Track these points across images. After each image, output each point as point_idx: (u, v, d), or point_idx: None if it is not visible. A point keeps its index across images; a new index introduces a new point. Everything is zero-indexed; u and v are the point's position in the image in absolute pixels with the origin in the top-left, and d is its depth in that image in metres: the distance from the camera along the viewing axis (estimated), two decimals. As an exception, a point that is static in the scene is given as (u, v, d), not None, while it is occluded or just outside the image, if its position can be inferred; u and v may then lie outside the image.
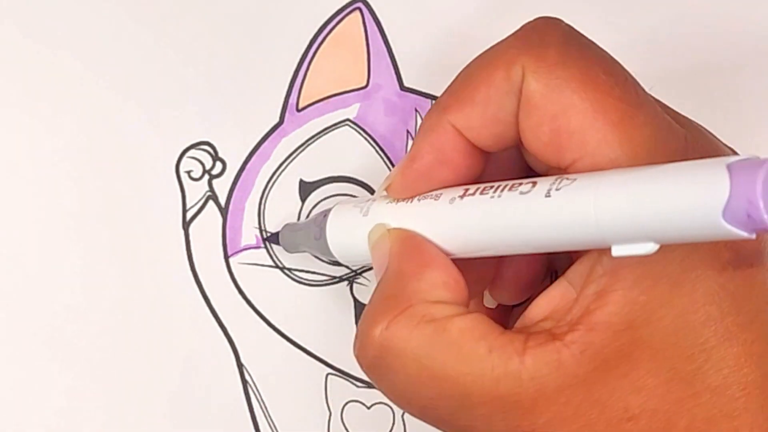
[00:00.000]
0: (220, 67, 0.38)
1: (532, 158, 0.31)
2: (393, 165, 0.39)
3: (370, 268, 0.39)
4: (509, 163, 0.32)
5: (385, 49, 0.39)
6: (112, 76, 0.38)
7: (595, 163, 0.27)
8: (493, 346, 0.27)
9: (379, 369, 0.29)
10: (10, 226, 0.38)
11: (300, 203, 0.39)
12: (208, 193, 0.39)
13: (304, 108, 0.39)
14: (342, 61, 0.39)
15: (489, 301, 0.34)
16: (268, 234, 0.38)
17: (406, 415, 0.39)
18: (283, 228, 0.38)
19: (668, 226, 0.23)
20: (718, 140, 0.30)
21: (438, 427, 0.29)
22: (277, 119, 0.39)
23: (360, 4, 0.39)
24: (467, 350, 0.27)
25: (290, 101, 0.39)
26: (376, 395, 0.39)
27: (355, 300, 0.39)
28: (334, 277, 0.39)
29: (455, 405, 0.27)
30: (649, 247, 0.24)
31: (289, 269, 0.39)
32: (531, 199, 0.27)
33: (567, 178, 0.26)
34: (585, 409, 0.26)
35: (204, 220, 0.39)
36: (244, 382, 0.39)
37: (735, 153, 0.29)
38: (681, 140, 0.27)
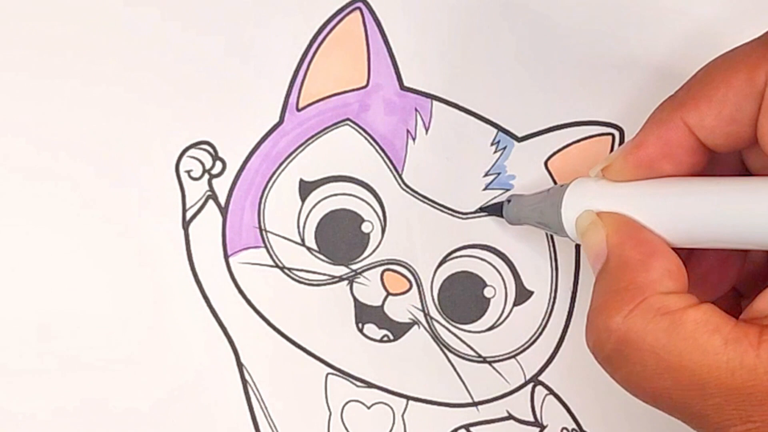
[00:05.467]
0: (220, 66, 0.38)
1: (756, 161, 0.32)
2: (393, 165, 0.39)
3: (371, 269, 0.39)
4: (728, 166, 0.33)
5: (385, 49, 0.39)
6: (112, 76, 0.38)
7: None
8: (728, 338, 0.28)
9: (616, 361, 0.30)
10: (9, 225, 0.38)
11: (300, 203, 0.39)
12: (208, 193, 0.39)
13: (304, 108, 0.39)
14: (342, 61, 0.39)
15: None
16: (488, 205, 0.38)
17: (406, 415, 0.39)
18: (511, 198, 0.37)
19: None
20: None
21: (670, 414, 0.30)
22: (277, 119, 0.39)
23: (360, 4, 0.39)
24: (703, 342, 0.28)
25: (290, 101, 0.39)
26: (376, 395, 0.39)
27: (355, 300, 0.39)
28: (334, 277, 0.39)
29: (690, 395, 0.29)
30: None
31: (289, 269, 0.39)
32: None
33: None
34: None
35: (204, 220, 0.39)
36: (244, 382, 0.39)
37: None
38: None
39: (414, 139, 0.39)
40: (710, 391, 0.28)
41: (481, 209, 0.38)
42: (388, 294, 0.39)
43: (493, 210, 0.38)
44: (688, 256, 0.33)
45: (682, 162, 0.31)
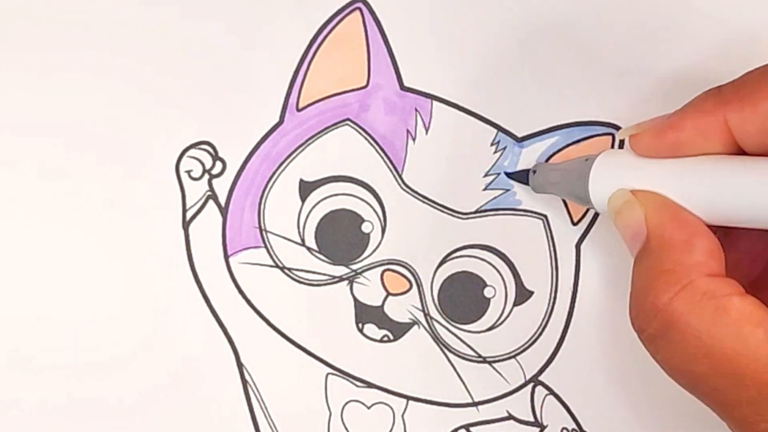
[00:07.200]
0: (220, 66, 0.38)
1: None
2: (393, 165, 0.39)
3: (371, 269, 0.39)
4: None
5: (385, 49, 0.39)
6: (112, 76, 0.38)
7: None
8: None
9: (659, 341, 0.30)
10: (9, 225, 0.38)
11: (300, 203, 0.39)
12: (208, 193, 0.39)
13: (304, 108, 0.39)
14: (342, 61, 0.39)
15: None
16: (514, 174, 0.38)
17: (406, 415, 0.39)
18: (537, 167, 0.37)
19: None
20: None
21: (703, 401, 0.30)
22: (277, 119, 0.39)
23: (360, 4, 0.39)
24: (746, 333, 0.28)
25: (290, 101, 0.39)
26: (376, 395, 0.39)
27: (355, 300, 0.39)
28: (334, 277, 0.39)
29: (726, 382, 0.29)
30: None
31: (289, 269, 0.39)
32: None
33: None
34: None
35: (204, 220, 0.39)
36: (244, 382, 0.39)
37: None
38: None
39: (414, 139, 0.39)
40: (746, 383, 0.28)
41: (507, 175, 0.38)
42: (388, 294, 0.39)
43: (519, 177, 0.38)
44: (724, 237, 0.33)
45: (714, 150, 0.31)
